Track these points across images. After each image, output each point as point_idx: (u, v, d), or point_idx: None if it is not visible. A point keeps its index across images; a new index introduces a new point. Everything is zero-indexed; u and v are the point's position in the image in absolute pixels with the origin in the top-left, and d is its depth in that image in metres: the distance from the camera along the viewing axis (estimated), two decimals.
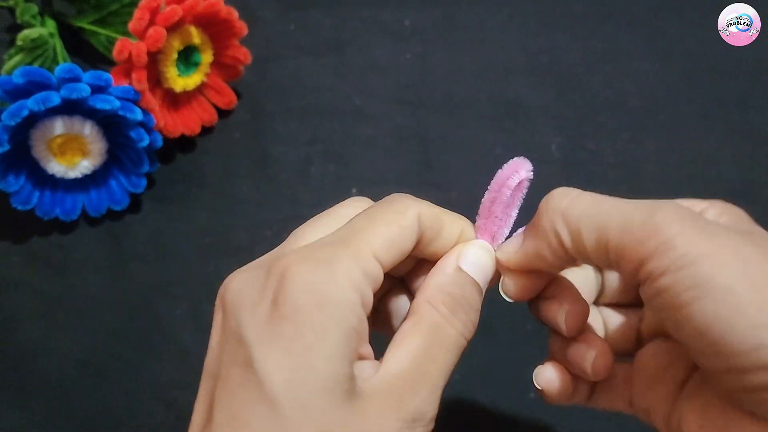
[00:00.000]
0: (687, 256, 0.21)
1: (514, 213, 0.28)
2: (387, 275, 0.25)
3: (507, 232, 0.28)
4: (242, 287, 0.24)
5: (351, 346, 0.23)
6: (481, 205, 0.28)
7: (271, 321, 0.22)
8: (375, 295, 0.24)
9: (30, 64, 0.43)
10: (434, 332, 0.25)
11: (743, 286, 0.21)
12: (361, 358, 0.24)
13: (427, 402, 0.24)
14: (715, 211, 0.26)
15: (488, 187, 0.28)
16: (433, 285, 0.26)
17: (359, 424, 0.22)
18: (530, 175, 0.28)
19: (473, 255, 0.27)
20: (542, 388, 0.30)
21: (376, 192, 0.29)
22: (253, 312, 0.23)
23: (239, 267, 0.27)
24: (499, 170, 0.28)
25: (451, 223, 0.27)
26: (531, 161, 0.27)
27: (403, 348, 0.25)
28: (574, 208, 0.25)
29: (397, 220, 0.25)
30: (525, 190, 0.28)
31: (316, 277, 0.23)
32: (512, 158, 0.27)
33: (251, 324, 0.23)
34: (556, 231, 0.25)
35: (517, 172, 0.27)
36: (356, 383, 0.23)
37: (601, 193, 0.27)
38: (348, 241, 0.24)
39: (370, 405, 0.23)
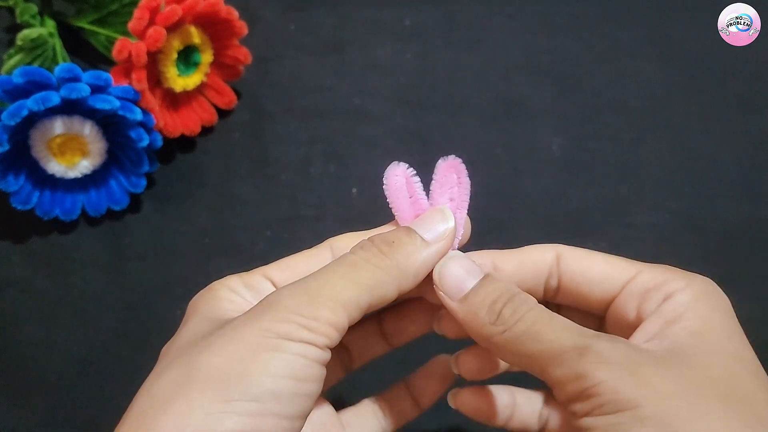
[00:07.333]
0: (610, 405, 0.21)
1: (465, 197, 0.29)
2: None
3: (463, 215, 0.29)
4: None
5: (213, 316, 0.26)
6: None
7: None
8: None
9: (29, 63, 0.43)
10: (331, 263, 0.25)
11: None
12: None
13: (292, 297, 0.24)
14: (688, 296, 0.25)
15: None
16: None
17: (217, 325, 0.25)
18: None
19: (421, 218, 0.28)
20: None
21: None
22: None
23: (239, 267, 0.27)
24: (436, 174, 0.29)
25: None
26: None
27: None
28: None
29: (306, 252, 0.28)
30: (466, 177, 0.29)
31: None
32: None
33: None
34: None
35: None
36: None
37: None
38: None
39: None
